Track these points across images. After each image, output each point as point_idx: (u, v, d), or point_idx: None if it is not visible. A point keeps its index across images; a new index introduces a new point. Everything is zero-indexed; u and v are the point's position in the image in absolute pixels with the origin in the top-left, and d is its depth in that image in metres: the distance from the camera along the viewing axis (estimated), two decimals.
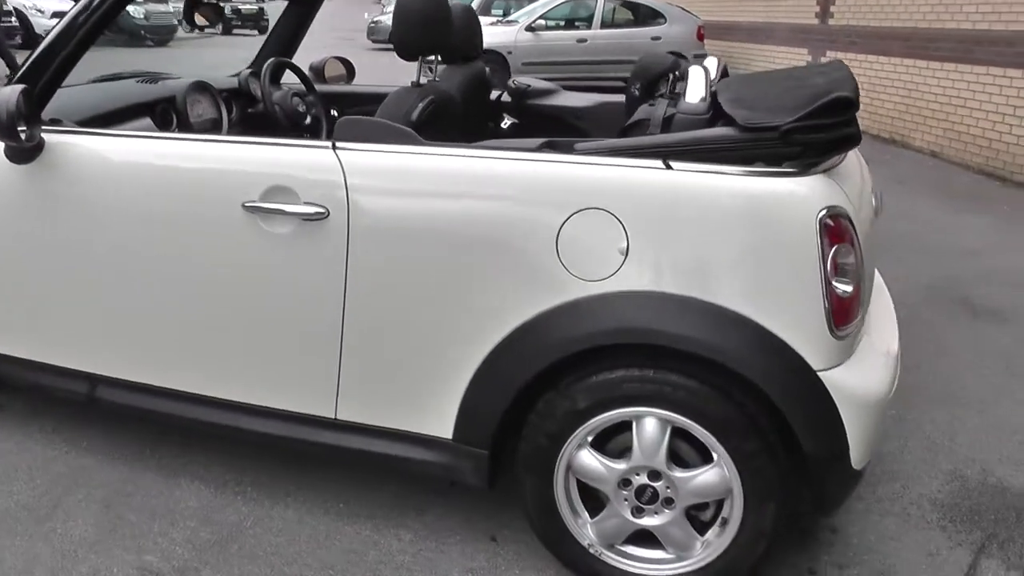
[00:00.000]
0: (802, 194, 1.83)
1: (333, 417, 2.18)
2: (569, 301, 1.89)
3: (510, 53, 12.41)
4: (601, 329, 1.87)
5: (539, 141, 2.10)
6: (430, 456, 2.13)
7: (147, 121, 2.79)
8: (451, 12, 2.52)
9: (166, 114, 2.91)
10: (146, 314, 2.28)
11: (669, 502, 1.99)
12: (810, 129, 1.81)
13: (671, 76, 2.23)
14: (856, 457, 1.90)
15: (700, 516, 2.03)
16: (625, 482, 2.00)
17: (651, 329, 1.85)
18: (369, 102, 3.51)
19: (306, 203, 2.03)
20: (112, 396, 2.42)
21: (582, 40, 12.70)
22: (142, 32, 18.70)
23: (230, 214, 2.09)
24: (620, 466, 1.98)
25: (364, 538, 2.26)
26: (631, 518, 2.02)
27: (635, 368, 1.91)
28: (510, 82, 3.17)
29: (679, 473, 1.96)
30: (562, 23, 12.96)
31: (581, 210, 1.87)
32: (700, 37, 12.84)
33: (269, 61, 3.21)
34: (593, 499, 2.08)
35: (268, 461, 2.59)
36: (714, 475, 1.95)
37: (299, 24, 3.50)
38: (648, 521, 2.02)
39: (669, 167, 1.88)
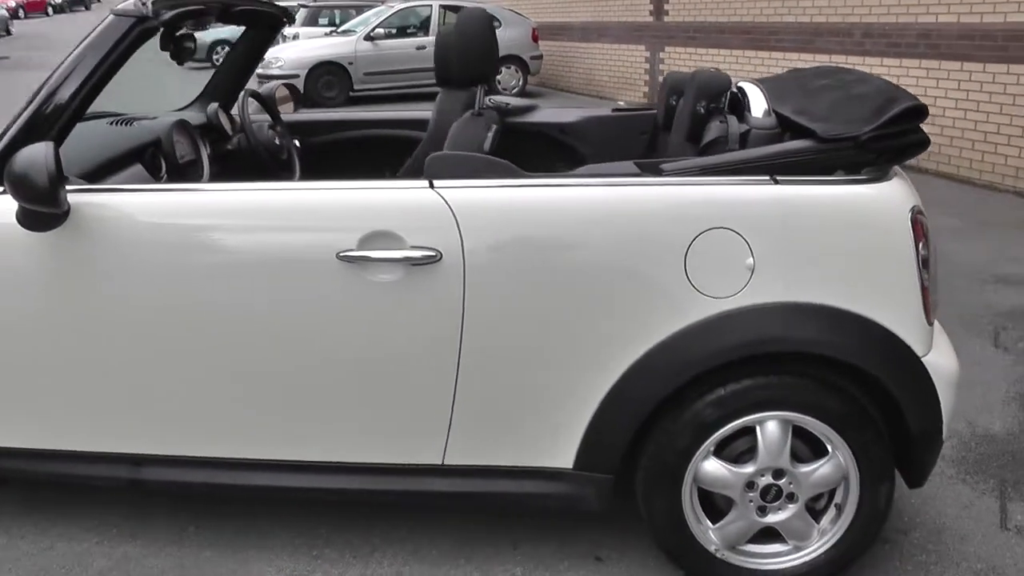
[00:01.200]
0: (894, 197, 1.98)
1: (440, 463, 2.11)
2: (703, 319, 1.94)
3: (351, 64, 12.20)
4: (740, 342, 1.92)
5: (629, 164, 2.12)
6: (549, 488, 2.10)
7: (138, 168, 2.54)
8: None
9: (155, 159, 2.67)
10: (213, 383, 2.08)
11: (791, 497, 2.09)
12: (886, 137, 1.96)
13: (728, 93, 2.32)
14: (944, 431, 2.07)
15: (815, 506, 2.14)
16: (750, 484, 2.07)
17: (784, 337, 1.94)
18: (328, 129, 3.40)
19: (413, 247, 1.94)
20: (165, 475, 2.20)
21: (421, 47, 12.69)
22: None
23: (322, 265, 1.96)
24: (747, 470, 2.05)
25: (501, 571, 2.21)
26: (757, 518, 2.10)
27: (760, 376, 1.99)
28: (487, 101, 3.15)
29: (802, 468, 2.06)
30: (396, 31, 12.87)
31: (705, 231, 1.92)
32: (535, 39, 13.18)
33: (245, 93, 3.02)
34: (707, 504, 2.14)
35: (330, 519, 2.45)
36: (831, 466, 2.06)
37: (255, 53, 3.30)
38: (773, 518, 2.10)
39: (776, 181, 1.96)
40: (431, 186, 1.98)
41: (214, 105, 3.12)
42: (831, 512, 2.13)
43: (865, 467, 2.05)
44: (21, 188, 1.89)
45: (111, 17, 2.16)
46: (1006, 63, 6.33)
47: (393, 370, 2.03)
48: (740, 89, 2.35)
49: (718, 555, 2.14)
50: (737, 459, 2.07)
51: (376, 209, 1.96)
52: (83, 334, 2.08)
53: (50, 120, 2.07)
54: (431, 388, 2.03)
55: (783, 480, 2.07)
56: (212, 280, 2.02)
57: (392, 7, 13.20)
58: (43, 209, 1.94)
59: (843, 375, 2.02)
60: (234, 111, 3.21)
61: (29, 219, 2.02)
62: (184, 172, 2.73)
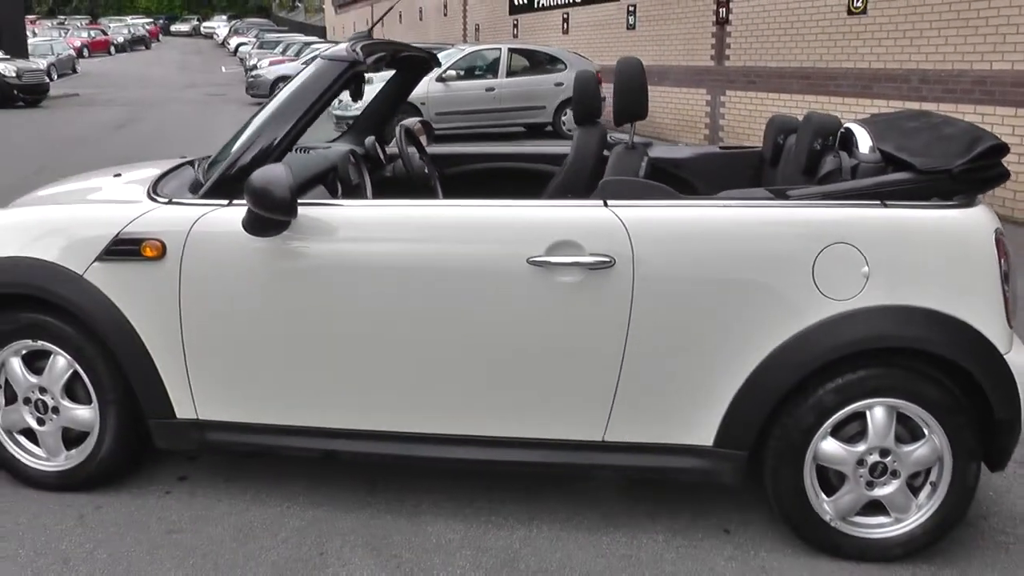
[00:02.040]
0: (981, 220, 2.40)
1: (601, 440, 2.53)
2: (828, 318, 2.35)
3: (423, 104, 12.83)
4: (858, 338, 2.33)
5: (761, 191, 2.56)
6: (691, 463, 2.51)
7: (321, 189, 3.00)
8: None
9: (333, 182, 3.16)
10: (418, 365, 2.52)
11: (895, 474, 2.46)
12: (974, 170, 2.38)
13: (839, 132, 2.75)
14: (1022, 420, 2.44)
15: (913, 483, 2.52)
16: (860, 462, 2.46)
17: (892, 334, 2.34)
18: (462, 162, 3.88)
19: (592, 254, 2.39)
20: (356, 448, 2.62)
21: (490, 88, 13.30)
22: (14, 92, 17.84)
23: (515, 268, 2.41)
24: (859, 448, 2.44)
25: (625, 543, 2.60)
26: (866, 491, 2.48)
27: (872, 367, 2.39)
28: (609, 138, 3.60)
29: (904, 448, 2.44)
30: (466, 73, 13.50)
31: (830, 245, 2.35)
32: (599, 81, 13.70)
33: (401, 128, 3.52)
34: (823, 480, 2.52)
35: (492, 491, 2.87)
36: (928, 447, 2.44)
37: (403, 92, 3.81)
38: (879, 492, 2.48)
39: (885, 205, 2.39)
40: (605, 204, 2.43)
41: (371, 138, 3.62)
42: (927, 488, 2.50)
43: (957, 449, 2.43)
44: (262, 199, 2.36)
45: (325, 62, 2.67)
46: None
47: (568, 358, 2.46)
48: (847, 129, 2.78)
49: (832, 524, 2.51)
50: (850, 440, 2.46)
51: (561, 223, 2.42)
52: (297, 324, 2.54)
53: (276, 147, 2.56)
54: (599, 374, 2.46)
55: (888, 458, 2.45)
56: (415, 281, 2.47)
57: (463, 50, 13.85)
58: (279, 217, 2.41)
59: (939, 368, 2.41)
60: (390, 143, 3.71)
61: (256, 227, 2.47)
62: (352, 194, 3.21)
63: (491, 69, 13.60)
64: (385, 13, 3.57)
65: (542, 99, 13.46)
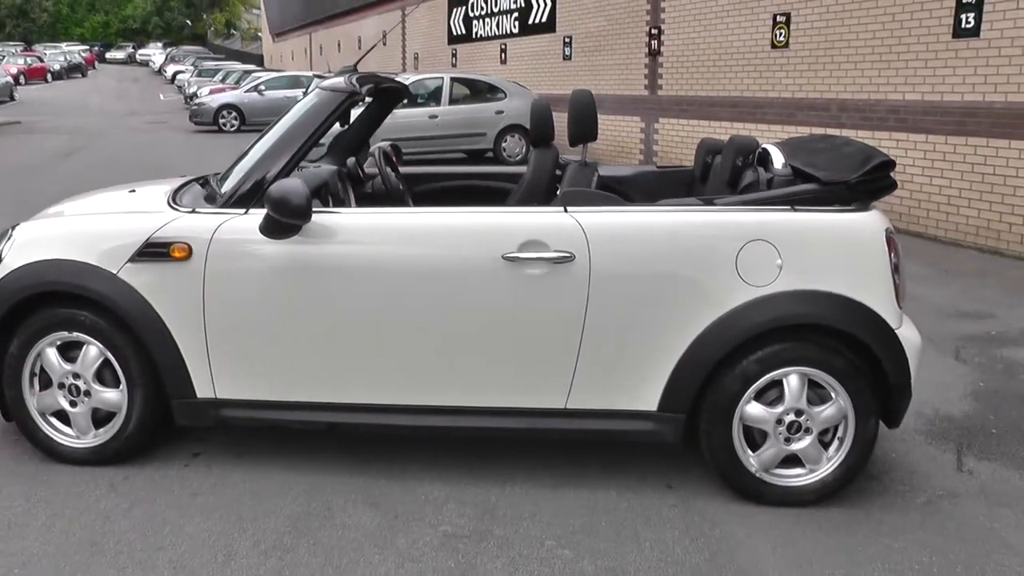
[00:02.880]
0: (874, 222, 2.97)
1: (564, 407, 3.01)
2: (749, 301, 2.88)
3: None
4: (773, 316, 2.86)
5: (696, 200, 3.09)
6: (639, 426, 3.00)
7: (316, 201, 3.43)
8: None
9: (324, 196, 3.59)
10: (408, 347, 2.97)
11: (808, 431, 2.99)
12: (868, 182, 2.95)
13: (757, 151, 3.31)
14: (911, 385, 3.00)
15: (823, 439, 3.05)
16: (779, 421, 2.98)
17: (803, 313, 2.88)
18: (428, 180, 4.35)
19: (555, 251, 2.88)
20: (359, 419, 3.06)
21: (433, 116, 13.80)
22: None
23: (491, 263, 2.89)
24: (778, 410, 2.96)
25: (585, 496, 3.07)
26: (785, 446, 3.00)
27: (787, 342, 2.92)
28: (561, 160, 4.11)
29: (815, 409, 2.97)
30: (408, 100, 13.96)
31: (750, 241, 2.88)
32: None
33: (380, 150, 3.98)
34: (748, 439, 3.03)
35: (470, 455, 3.31)
36: (835, 408, 2.97)
37: (377, 119, 4.27)
38: (795, 446, 3.00)
39: (795, 210, 2.94)
40: (566, 210, 2.93)
41: (352, 159, 4.07)
42: (835, 443, 3.03)
43: (859, 408, 2.97)
44: (281, 207, 2.81)
45: (327, 92, 3.13)
46: (964, 136, 7.46)
47: (537, 338, 2.94)
48: (764, 149, 3.34)
49: (757, 475, 3.02)
50: (770, 403, 2.98)
51: (530, 225, 2.91)
52: (305, 314, 2.97)
53: (286, 165, 3.02)
54: (563, 351, 2.94)
55: (802, 418, 2.98)
56: (407, 275, 2.93)
57: (407, 78, 14.35)
58: (296, 222, 2.86)
59: (842, 341, 2.95)
60: (366, 163, 4.17)
61: (273, 230, 2.92)
62: (340, 207, 3.65)
63: (434, 97, 14.11)
64: (370, 49, 4.03)
65: (483, 126, 14.00)
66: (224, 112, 20.07)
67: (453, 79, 14.33)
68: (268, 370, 3.04)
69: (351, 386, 3.04)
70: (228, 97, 20.75)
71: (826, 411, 2.98)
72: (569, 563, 2.66)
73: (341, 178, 3.79)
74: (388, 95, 4.19)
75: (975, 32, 7.27)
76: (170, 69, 43.59)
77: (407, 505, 2.98)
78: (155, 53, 59.32)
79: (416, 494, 3.06)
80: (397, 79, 4.15)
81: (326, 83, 3.29)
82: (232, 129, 19.99)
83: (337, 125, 4.00)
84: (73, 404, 3.14)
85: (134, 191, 3.58)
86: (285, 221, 2.87)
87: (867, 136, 8.52)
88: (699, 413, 3.00)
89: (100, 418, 3.17)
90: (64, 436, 3.19)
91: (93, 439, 3.18)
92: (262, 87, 20.77)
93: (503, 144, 14.01)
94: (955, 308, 5.66)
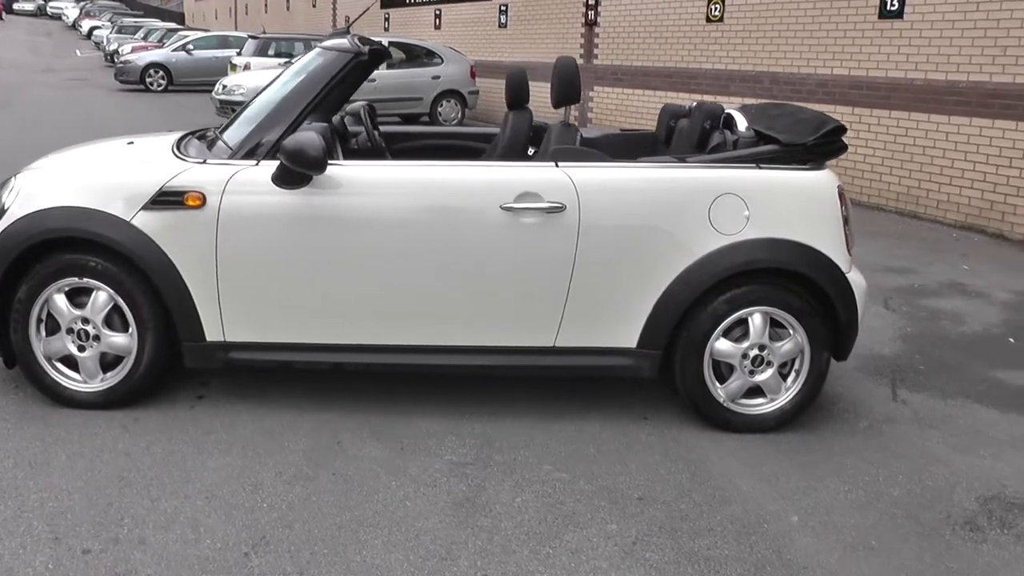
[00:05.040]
0: (827, 179, 3.33)
1: (552, 345, 3.29)
2: (720, 247, 3.20)
3: None
4: (742, 261, 3.20)
5: (671, 157, 3.38)
6: (620, 362, 3.31)
7: None
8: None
9: None
10: (412, 291, 3.19)
11: (770, 364, 3.35)
12: (823, 144, 3.30)
13: (722, 116, 3.63)
14: (859, 322, 3.39)
15: (783, 371, 3.41)
16: (744, 356, 3.33)
17: (766, 259, 3.22)
18: (403, 139, 4.55)
19: (549, 202, 3.14)
20: (362, 359, 3.28)
21: (372, 80, 13.81)
22: None
23: (490, 213, 3.14)
24: (744, 345, 3.31)
25: (570, 428, 3.37)
26: (749, 378, 3.35)
27: (752, 284, 3.26)
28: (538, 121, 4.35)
29: (776, 344, 3.33)
30: None
31: (721, 195, 3.20)
32: (472, 75, 14.53)
33: (365, 108, 4.16)
34: (717, 373, 3.38)
35: (463, 391, 3.57)
36: (793, 343, 3.34)
37: (357, 81, 4.42)
38: (758, 378, 3.35)
39: (760, 168, 3.27)
40: (557, 165, 3.20)
41: (338, 116, 4.24)
42: (792, 375, 3.40)
43: (813, 343, 3.34)
44: (297, 157, 2.99)
45: (332, 52, 3.30)
46: (888, 109, 7.99)
47: (531, 281, 3.20)
48: (728, 114, 3.66)
49: (725, 405, 3.37)
50: (737, 339, 3.32)
51: (525, 179, 3.16)
52: (314, 259, 3.16)
53: (295, 121, 3.19)
54: (553, 292, 3.22)
55: (764, 352, 3.33)
56: (413, 224, 3.15)
57: None
58: (312, 172, 3.04)
59: (799, 283, 3.30)
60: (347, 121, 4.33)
61: (286, 180, 3.10)
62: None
63: None
64: (364, 11, 4.18)
65: (420, 91, 14.09)
66: (151, 71, 19.57)
67: (391, 43, 14.33)
68: (276, 313, 3.23)
69: (356, 328, 3.25)
70: (155, 56, 20.20)
71: (785, 346, 3.34)
72: (567, 484, 2.96)
73: (331, 134, 3.95)
74: (371, 57, 4.34)
75: (899, 14, 7.78)
76: (85, 24, 41.80)
77: (411, 438, 3.22)
78: (68, 7, 56.47)
79: (417, 427, 3.31)
80: (378, 41, 4.31)
81: (329, 43, 3.46)
82: (159, 88, 19.50)
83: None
84: (81, 349, 3.27)
85: (132, 143, 3.69)
86: (300, 171, 3.05)
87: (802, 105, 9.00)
88: (674, 349, 3.33)
89: (107, 362, 3.31)
90: (71, 381, 3.31)
91: (101, 383, 3.31)
92: (190, 46, 20.29)
93: (439, 109, 14.13)
94: (881, 264, 6.16)
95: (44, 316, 3.26)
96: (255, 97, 3.84)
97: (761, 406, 3.41)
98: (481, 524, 2.69)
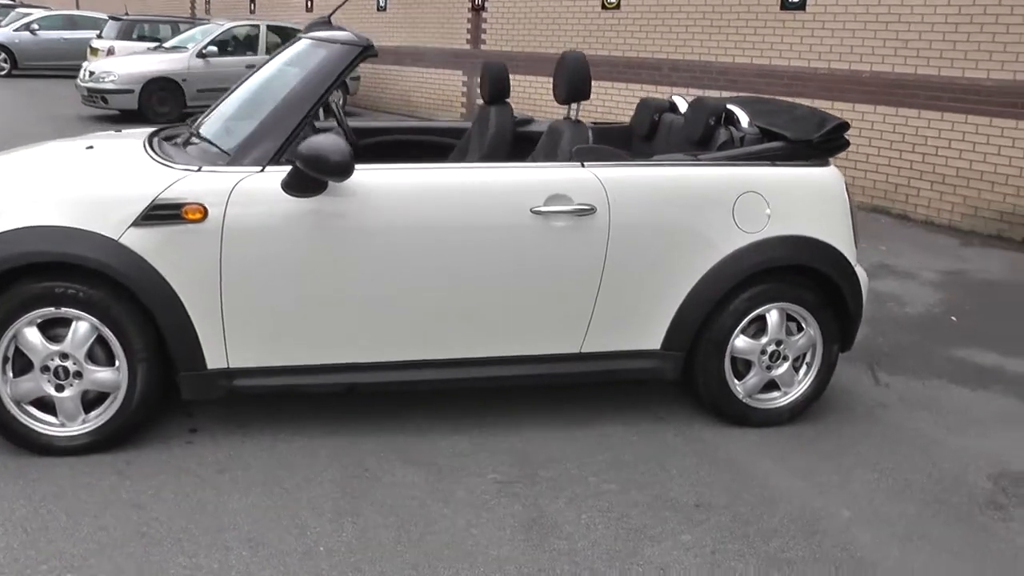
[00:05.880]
0: (836, 175, 3.38)
1: (578, 351, 3.18)
2: (744, 245, 3.18)
3: (184, 80, 12.42)
4: (766, 259, 3.19)
5: (684, 155, 3.33)
6: (645, 364, 3.25)
7: None
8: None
9: None
10: (438, 302, 2.99)
11: (785, 358, 3.38)
12: (828, 141, 3.34)
13: (723, 113, 3.59)
14: (863, 313, 3.47)
15: (796, 364, 3.44)
16: (762, 352, 3.34)
17: (790, 256, 3.24)
18: (371, 134, 4.27)
19: (579, 204, 3.01)
20: (380, 378, 3.04)
21: (251, 66, 13.10)
22: None
23: (521, 218, 2.98)
24: (762, 341, 3.32)
25: (596, 435, 3.27)
26: (767, 373, 3.37)
27: (770, 281, 3.27)
28: (516, 116, 4.17)
29: (791, 339, 3.36)
30: (227, 49, 13.21)
31: (744, 193, 3.18)
32: None
33: (336, 103, 3.87)
34: (735, 369, 3.36)
35: (478, 407, 3.40)
36: (807, 337, 3.38)
37: None
38: (775, 372, 3.38)
39: (776, 165, 3.27)
40: (583, 165, 3.07)
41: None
42: (804, 368, 3.45)
43: (825, 336, 3.39)
44: (319, 163, 2.71)
45: (337, 46, 3.03)
46: (793, 96, 8.28)
47: (561, 286, 3.07)
48: (728, 110, 3.64)
49: (743, 400, 3.37)
50: (754, 336, 3.32)
51: (554, 180, 3.02)
52: (329, 273, 2.89)
53: (302, 122, 2.91)
54: (583, 297, 3.10)
55: (781, 347, 3.35)
56: (439, 230, 2.95)
57: (222, 25, 13.48)
58: (336, 179, 2.77)
59: (812, 277, 3.34)
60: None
61: (300, 188, 2.81)
62: None
63: (250, 46, 13.39)
64: (343, 2, 3.88)
65: None
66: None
67: (269, 27, 13.66)
68: (286, 334, 2.94)
69: (375, 344, 3.01)
70: None
71: (800, 340, 3.38)
72: (620, 495, 2.86)
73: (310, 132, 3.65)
74: None
75: (801, 6, 8.09)
76: None
77: (443, 458, 3.03)
78: None
79: (443, 446, 3.12)
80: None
81: (327, 35, 3.17)
82: (3, 73, 17.76)
83: None
84: (59, 388, 2.86)
85: (92, 147, 3.26)
86: (322, 178, 2.78)
87: (698, 94, 9.22)
88: (696, 349, 3.29)
89: (87, 401, 2.91)
90: (47, 425, 2.89)
91: (83, 425, 2.90)
92: (35, 26, 18.50)
93: None
94: None
95: (11, 354, 2.84)
96: (231, 92, 3.50)
97: (776, 400, 3.44)
98: (558, 547, 2.56)
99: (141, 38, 15.17)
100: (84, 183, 2.85)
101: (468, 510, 2.72)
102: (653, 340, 3.23)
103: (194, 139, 3.21)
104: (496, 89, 3.91)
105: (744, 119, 3.56)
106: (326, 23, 3.49)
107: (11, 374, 2.84)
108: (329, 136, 2.76)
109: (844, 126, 3.37)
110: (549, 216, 3.01)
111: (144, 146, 3.11)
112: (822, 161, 3.39)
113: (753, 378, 3.37)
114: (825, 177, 3.35)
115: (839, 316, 3.42)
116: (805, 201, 3.29)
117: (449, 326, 3.05)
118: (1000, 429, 3.54)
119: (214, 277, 2.82)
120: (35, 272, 2.76)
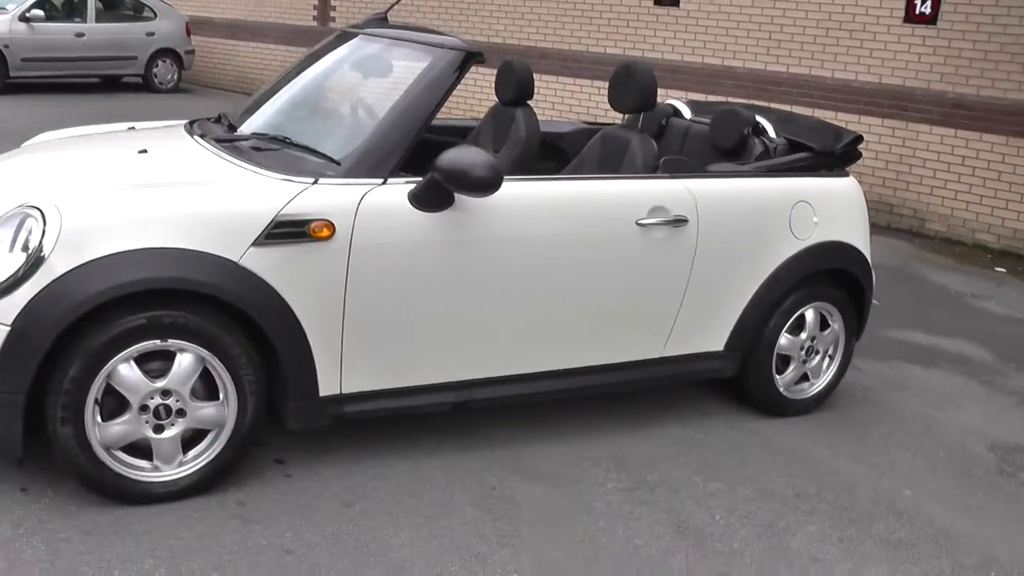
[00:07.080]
0: (857, 183, 3.74)
1: (660, 356, 3.30)
2: (798, 251, 3.45)
3: (7, 47, 10.99)
4: (814, 263, 3.50)
5: (734, 164, 3.52)
6: (712, 365, 3.44)
7: None
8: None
9: None
10: (550, 315, 3.00)
11: (818, 352, 3.69)
12: (847, 151, 3.69)
13: (755, 124, 3.80)
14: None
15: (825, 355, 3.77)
16: (800, 347, 3.62)
17: (830, 261, 3.55)
18: None
19: (675, 215, 3.11)
20: (487, 393, 3.00)
21: (80, 34, 11.78)
22: None
23: (628, 228, 3.04)
24: (801, 337, 3.61)
25: (665, 435, 3.41)
26: (803, 366, 3.66)
27: (811, 283, 3.56)
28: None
29: (823, 333, 3.68)
30: (54, 14, 11.79)
31: (797, 202, 3.44)
32: (188, 33, 13.02)
33: None
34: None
35: (542, 418, 3.40)
36: (833, 332, 3.72)
37: None
38: (809, 365, 3.69)
39: (813, 175, 3.56)
40: (674, 177, 3.17)
41: None
42: (827, 360, 3.78)
43: (847, 330, 3.75)
44: (463, 178, 2.61)
45: (444, 50, 2.88)
46: (665, 88, 8.74)
47: (654, 294, 3.19)
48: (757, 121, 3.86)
49: (783, 393, 3.66)
50: (794, 332, 3.60)
51: (653, 192, 3.12)
52: (455, 289, 2.81)
53: (419, 131, 2.78)
54: (670, 303, 3.23)
55: (815, 342, 3.66)
56: (558, 241, 2.96)
57: None
58: (479, 195, 2.68)
59: (839, 277, 3.67)
60: None
61: (430, 202, 2.71)
62: None
63: (78, 12, 11.99)
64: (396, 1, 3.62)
65: (134, 49, 12.32)
66: None
67: None
68: (399, 355, 2.81)
69: (485, 360, 2.96)
70: None
71: (829, 334, 3.70)
72: (730, 492, 3.03)
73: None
74: None
75: (675, 2, 8.54)
76: None
77: (552, 470, 3.04)
78: None
79: (543, 457, 3.12)
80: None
81: (431, 39, 3.03)
82: None
83: None
84: (158, 429, 2.55)
85: (146, 151, 2.88)
86: (466, 193, 2.69)
87: (569, 82, 9.51)
88: (752, 348, 3.51)
89: (185, 440, 2.62)
90: (140, 471, 2.58)
91: (179, 468, 2.61)
92: None
93: (154, 70, 12.47)
94: None
95: (101, 395, 2.48)
96: (273, 89, 3.23)
97: (805, 391, 3.75)
98: (718, 549, 2.69)
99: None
100: (196, 198, 2.54)
101: (615, 521, 2.78)
102: (718, 342, 3.42)
103: (262, 143, 2.92)
104: (521, 89, 3.85)
105: (771, 130, 3.81)
106: (382, 20, 3.29)
107: (99, 417, 2.49)
108: (471, 149, 2.66)
109: (860, 139, 3.71)
110: (650, 227, 3.09)
111: (213, 151, 2.82)
112: (844, 171, 3.71)
113: (792, 372, 3.65)
114: (852, 186, 3.70)
115: (856, 310, 3.78)
116: (841, 209, 3.61)
117: (556, 338, 3.07)
118: (970, 405, 4.04)
119: (338, 297, 2.63)
120: (127, 301, 2.43)
